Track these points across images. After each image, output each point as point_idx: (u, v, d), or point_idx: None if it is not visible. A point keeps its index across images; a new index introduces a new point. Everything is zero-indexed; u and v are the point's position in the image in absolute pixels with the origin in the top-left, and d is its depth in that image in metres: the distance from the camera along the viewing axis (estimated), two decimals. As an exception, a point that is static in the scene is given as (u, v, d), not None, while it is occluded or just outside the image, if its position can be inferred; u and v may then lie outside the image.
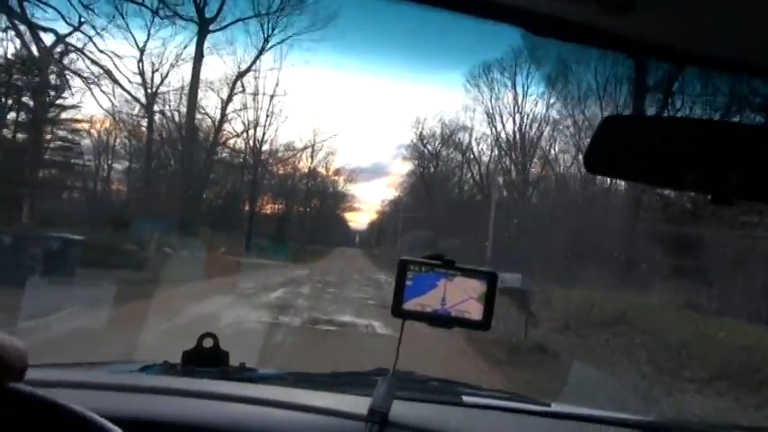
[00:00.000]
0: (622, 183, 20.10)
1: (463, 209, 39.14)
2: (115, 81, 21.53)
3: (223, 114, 23.79)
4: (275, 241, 39.50)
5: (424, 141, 41.57)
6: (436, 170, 42.81)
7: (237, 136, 32.23)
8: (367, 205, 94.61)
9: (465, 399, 1.31)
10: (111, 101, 22.62)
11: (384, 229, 57.78)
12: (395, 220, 49.30)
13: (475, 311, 1.14)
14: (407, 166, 46.38)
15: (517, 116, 30.52)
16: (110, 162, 27.10)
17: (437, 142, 40.80)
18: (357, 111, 67.18)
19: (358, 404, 1.07)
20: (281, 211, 49.02)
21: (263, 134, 32.07)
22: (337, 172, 49.51)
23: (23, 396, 0.46)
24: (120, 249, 13.33)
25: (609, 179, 21.63)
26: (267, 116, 31.83)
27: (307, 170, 48.01)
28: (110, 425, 0.50)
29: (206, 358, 1.35)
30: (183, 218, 21.69)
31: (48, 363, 1.35)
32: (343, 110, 69.16)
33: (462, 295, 1.13)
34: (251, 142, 32.35)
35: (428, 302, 1.13)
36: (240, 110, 28.79)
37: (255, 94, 26.73)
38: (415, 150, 42.02)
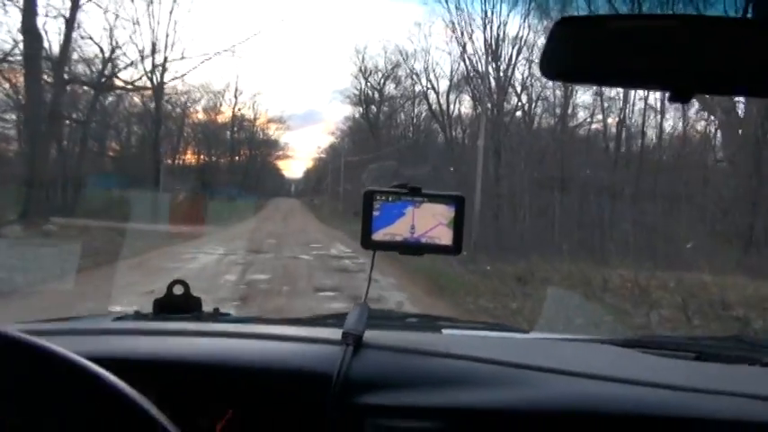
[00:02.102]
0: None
1: (418, 147, 32.40)
2: None
3: (74, 8, 15.30)
4: (193, 201, 31.71)
5: (366, 74, 34.12)
6: (381, 106, 35.50)
7: (132, 65, 23.96)
8: (302, 153, 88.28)
9: (444, 331, 1.29)
10: None
11: (322, 176, 51.79)
12: (336, 166, 42.22)
13: (445, 237, 1.05)
14: (345, 111, 39.20)
15: (487, 31, 23.30)
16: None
17: (380, 75, 33.48)
18: (286, 47, 58.68)
19: (332, 333, 0.98)
20: (203, 162, 41.42)
21: (165, 62, 23.66)
22: (269, 120, 42.28)
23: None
24: None
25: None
26: (167, 35, 23.46)
27: (230, 114, 40.03)
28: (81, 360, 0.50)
29: (178, 305, 1.26)
30: (30, 175, 13.78)
31: (54, 318, 1.29)
32: (270, 45, 60.28)
33: (431, 222, 1.05)
34: (150, 76, 24.00)
35: (397, 231, 1.04)
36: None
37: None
38: (355, 87, 34.63)
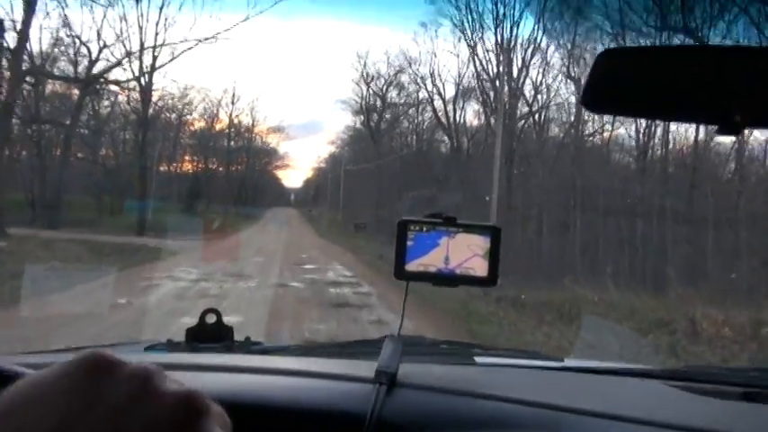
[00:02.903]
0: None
1: (420, 156, 30.37)
2: None
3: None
4: (186, 210, 29.65)
5: (368, 80, 32.16)
6: (383, 113, 33.47)
7: (119, 64, 22.09)
8: (302, 162, 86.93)
9: (477, 359, 1.24)
10: None
11: (321, 186, 50.01)
12: (335, 175, 40.22)
13: (480, 268, 1.00)
14: (346, 120, 37.25)
15: (499, 31, 21.37)
16: None
17: (383, 81, 31.53)
18: (288, 57, 56.86)
19: (365, 368, 0.93)
20: (198, 170, 39.32)
21: (154, 60, 21.65)
22: (268, 129, 40.48)
23: None
24: None
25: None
26: (156, 33, 21.62)
27: (227, 121, 37.99)
28: None
29: (210, 334, 1.25)
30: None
31: (52, 349, 1.33)
32: (269, 53, 58.42)
33: (466, 252, 1.00)
34: (138, 76, 22.04)
35: (431, 262, 1.00)
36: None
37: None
38: (356, 94, 32.67)
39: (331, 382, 0.93)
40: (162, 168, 36.29)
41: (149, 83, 21.73)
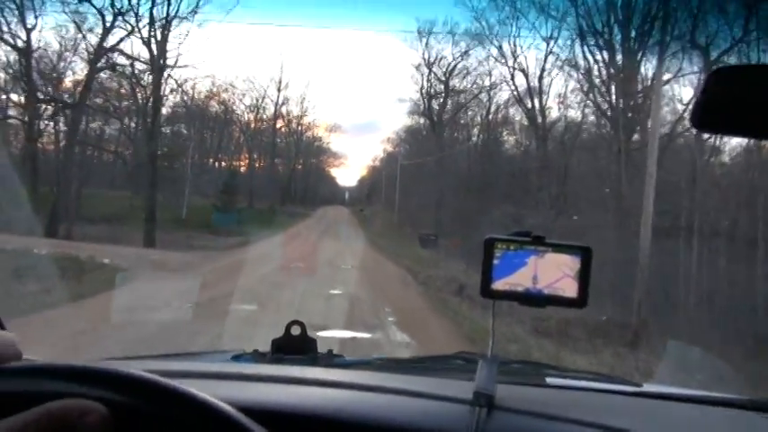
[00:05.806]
0: None
1: (490, 149, 24.62)
2: None
3: None
4: (222, 210, 24.77)
5: (430, 63, 26.73)
6: (446, 101, 27.87)
7: (131, 34, 17.79)
8: (357, 161, 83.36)
9: (556, 381, 1.20)
10: None
11: (376, 183, 45.28)
12: (390, 172, 35.00)
13: (570, 289, 0.94)
14: (404, 120, 31.95)
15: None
16: None
17: (446, 65, 26.01)
18: (344, 55, 52.11)
19: (458, 388, 0.90)
20: (246, 166, 34.83)
21: (167, 24, 17.05)
22: (326, 127, 35.90)
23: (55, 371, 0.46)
24: None
25: None
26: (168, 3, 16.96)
27: (275, 114, 33.17)
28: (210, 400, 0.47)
29: (295, 345, 1.25)
30: None
31: (138, 355, 1.29)
32: (327, 53, 53.64)
33: (556, 273, 0.94)
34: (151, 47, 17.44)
35: (519, 281, 0.95)
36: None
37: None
38: (415, 81, 27.37)
39: (425, 400, 0.89)
40: (212, 163, 32.17)
41: (161, 54, 16.83)
